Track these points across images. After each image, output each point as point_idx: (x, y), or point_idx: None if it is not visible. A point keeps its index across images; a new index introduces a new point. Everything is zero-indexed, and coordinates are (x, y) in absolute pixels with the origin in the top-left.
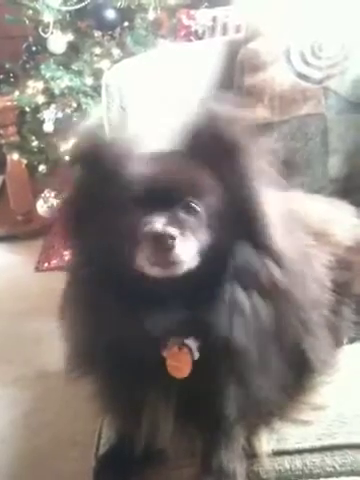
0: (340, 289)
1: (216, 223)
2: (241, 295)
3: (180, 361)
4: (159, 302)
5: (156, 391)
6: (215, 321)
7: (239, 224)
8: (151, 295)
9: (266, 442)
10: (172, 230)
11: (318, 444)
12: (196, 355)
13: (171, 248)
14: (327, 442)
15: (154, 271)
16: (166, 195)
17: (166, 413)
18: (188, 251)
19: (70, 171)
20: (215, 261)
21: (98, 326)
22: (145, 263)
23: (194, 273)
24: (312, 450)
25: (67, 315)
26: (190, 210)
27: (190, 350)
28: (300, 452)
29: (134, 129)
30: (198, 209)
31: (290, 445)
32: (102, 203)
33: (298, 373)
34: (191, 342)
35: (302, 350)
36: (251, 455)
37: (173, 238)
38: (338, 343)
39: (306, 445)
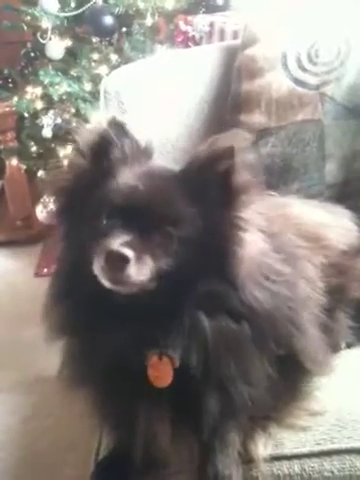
0: (335, 293)
1: (186, 251)
2: (202, 320)
3: (160, 371)
4: (122, 316)
5: (148, 400)
6: (172, 345)
7: (213, 258)
8: (113, 308)
9: (262, 447)
10: (128, 252)
11: (317, 449)
12: (177, 363)
13: (122, 268)
14: (326, 447)
15: (106, 283)
16: (145, 216)
17: (161, 421)
18: (143, 274)
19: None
20: (180, 286)
21: (78, 343)
22: (99, 274)
23: (154, 293)
24: (310, 455)
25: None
26: (164, 236)
27: (171, 359)
28: (298, 457)
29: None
30: (172, 237)
31: (288, 450)
32: (89, 199)
33: (292, 377)
34: (172, 351)
35: (293, 351)
36: (248, 460)
37: (126, 261)
38: (335, 348)
39: (304, 450)
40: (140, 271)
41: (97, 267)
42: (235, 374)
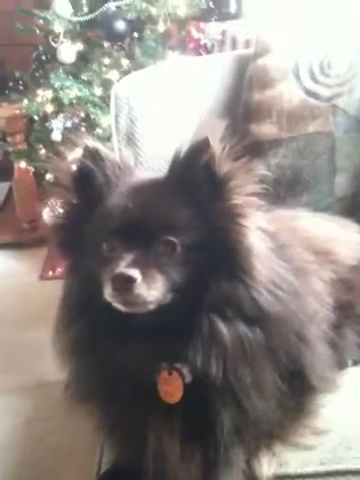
0: (343, 310)
1: (194, 257)
2: (220, 326)
3: (171, 386)
4: (138, 332)
5: (159, 417)
6: (192, 354)
7: (220, 256)
8: (128, 326)
9: (267, 465)
10: (133, 272)
11: (321, 469)
12: (188, 378)
13: (131, 289)
14: (331, 467)
15: (121, 308)
16: (143, 231)
17: (172, 437)
18: (153, 291)
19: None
20: (193, 294)
21: (90, 363)
22: (110, 298)
23: (170, 306)
24: (315, 475)
25: (65, 356)
26: (166, 246)
27: (181, 374)
28: (303, 477)
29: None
30: (175, 246)
31: (293, 469)
32: (86, 230)
33: (298, 393)
34: (182, 366)
35: (300, 366)
36: (251, 479)
37: (132, 281)
38: (342, 364)
39: (309, 470)
40: (150, 287)
41: (108, 294)
42: (250, 385)
